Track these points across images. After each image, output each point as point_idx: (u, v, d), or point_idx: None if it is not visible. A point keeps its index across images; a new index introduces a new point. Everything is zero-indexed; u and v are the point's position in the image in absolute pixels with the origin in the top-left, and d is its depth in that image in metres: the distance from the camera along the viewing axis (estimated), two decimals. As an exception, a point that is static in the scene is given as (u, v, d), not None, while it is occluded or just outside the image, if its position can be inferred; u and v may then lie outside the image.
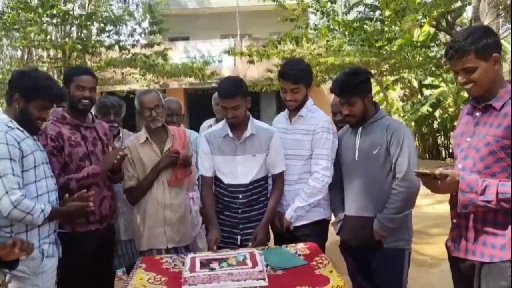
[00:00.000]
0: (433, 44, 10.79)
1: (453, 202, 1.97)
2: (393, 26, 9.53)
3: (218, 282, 2.09)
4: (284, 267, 2.29)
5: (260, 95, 14.22)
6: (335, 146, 2.79)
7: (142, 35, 10.81)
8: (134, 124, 8.13)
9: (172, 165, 2.87)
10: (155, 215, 2.86)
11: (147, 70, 10.61)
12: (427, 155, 13.17)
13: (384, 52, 9.80)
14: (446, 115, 12.28)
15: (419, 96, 12.75)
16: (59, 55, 9.67)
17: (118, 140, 3.28)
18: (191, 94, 16.47)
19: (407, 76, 12.40)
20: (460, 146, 2.03)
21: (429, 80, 12.83)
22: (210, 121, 3.92)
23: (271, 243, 2.88)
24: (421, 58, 9.73)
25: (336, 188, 2.78)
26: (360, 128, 2.67)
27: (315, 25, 10.82)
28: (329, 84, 12.17)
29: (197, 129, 3.88)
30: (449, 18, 9.18)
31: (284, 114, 2.99)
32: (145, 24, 11.25)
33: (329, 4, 9.68)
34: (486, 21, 7.67)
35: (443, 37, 11.19)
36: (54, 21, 9.09)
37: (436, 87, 12.52)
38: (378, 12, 9.83)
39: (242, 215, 2.78)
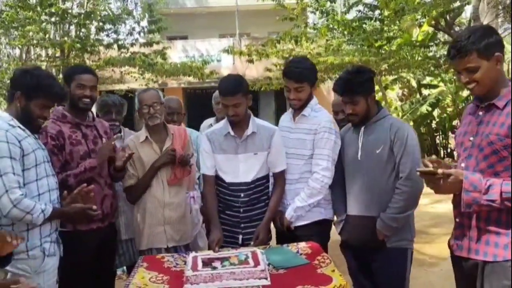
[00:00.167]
0: (432, 43, 10.80)
1: (456, 201, 1.97)
2: (392, 26, 9.53)
3: (220, 281, 2.09)
4: (286, 266, 2.29)
5: (259, 94, 14.20)
6: (337, 147, 2.78)
7: (141, 34, 10.80)
8: (132, 123, 8.10)
9: (169, 163, 2.87)
10: (155, 214, 2.86)
11: (146, 69, 10.59)
12: (425, 154, 13.17)
13: (383, 51, 9.80)
14: (445, 115, 12.29)
15: (418, 96, 12.76)
16: (58, 54, 9.65)
17: (120, 139, 3.27)
18: (190, 93, 16.45)
19: (406, 75, 12.41)
20: (463, 146, 2.02)
21: (427, 79, 12.83)
22: (210, 120, 3.91)
23: (273, 242, 2.87)
24: (420, 58, 9.74)
25: (338, 188, 2.78)
26: (362, 127, 2.66)
27: (314, 24, 10.81)
28: (328, 83, 12.21)
29: (196, 128, 3.87)
30: (448, 18, 9.18)
31: (289, 113, 2.98)
32: (144, 23, 11.23)
33: (328, 3, 9.67)
34: (485, 21, 7.70)
35: (442, 36, 11.20)
36: (53, 19, 9.06)
37: (435, 86, 12.53)
38: (377, 12, 9.83)
39: (243, 214, 2.78)
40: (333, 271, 2.21)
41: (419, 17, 8.41)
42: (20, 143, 2.21)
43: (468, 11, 10.11)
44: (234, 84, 2.71)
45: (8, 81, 6.74)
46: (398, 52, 9.55)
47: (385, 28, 9.77)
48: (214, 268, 2.20)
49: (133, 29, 10.60)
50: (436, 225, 5.91)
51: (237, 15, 16.40)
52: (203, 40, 16.08)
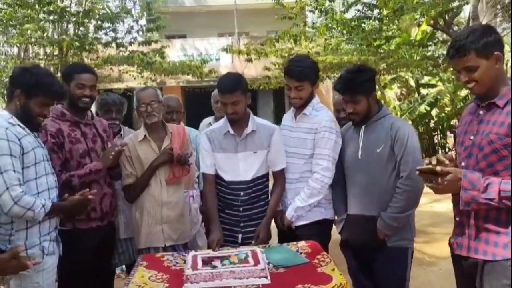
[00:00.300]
0: (430, 43, 10.81)
1: (456, 200, 1.97)
2: (391, 25, 9.53)
3: (221, 280, 2.09)
4: (286, 265, 2.29)
5: (258, 93, 14.20)
6: (338, 146, 2.77)
7: (140, 32, 10.77)
8: (131, 122, 8.09)
9: (167, 162, 2.86)
10: (153, 213, 2.86)
11: (144, 68, 10.57)
12: (423, 154, 13.19)
13: (382, 51, 9.80)
14: (443, 114, 12.30)
15: (416, 95, 12.76)
16: (56, 52, 9.62)
17: (120, 138, 3.26)
18: (188, 92, 16.44)
19: (404, 75, 12.42)
20: (463, 145, 2.02)
21: (426, 79, 12.84)
22: (209, 119, 3.91)
23: (274, 241, 2.87)
24: (418, 57, 9.74)
25: (338, 187, 2.77)
26: (363, 126, 2.66)
27: (313, 23, 10.80)
28: (327, 83, 12.21)
29: (194, 127, 3.87)
30: (446, 17, 9.19)
31: (291, 111, 2.98)
32: (143, 22, 11.20)
33: (327, 2, 9.67)
34: (484, 20, 7.72)
35: (440, 36, 11.21)
36: (51, 18, 9.03)
37: (433, 86, 12.53)
38: (376, 11, 9.82)
39: (243, 213, 2.78)
40: (333, 270, 2.22)
41: (417, 16, 8.41)
42: (20, 141, 2.21)
43: (466, 10, 10.13)
44: (233, 82, 2.71)
45: (6, 80, 6.71)
46: (396, 52, 9.55)
47: (384, 28, 9.77)
48: (214, 267, 2.20)
49: (132, 27, 10.57)
50: (435, 225, 5.91)
51: (236, 14, 16.40)
52: (201, 39, 16.08)
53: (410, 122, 11.34)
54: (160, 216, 2.86)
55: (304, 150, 2.80)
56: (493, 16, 8.18)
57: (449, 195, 2.02)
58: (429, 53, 10.47)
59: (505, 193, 1.78)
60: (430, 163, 1.88)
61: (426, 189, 1.96)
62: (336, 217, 2.86)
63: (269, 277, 2.12)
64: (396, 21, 9.00)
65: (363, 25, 9.84)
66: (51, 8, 8.63)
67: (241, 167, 2.77)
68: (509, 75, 8.69)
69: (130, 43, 10.41)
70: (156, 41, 10.76)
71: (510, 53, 8.95)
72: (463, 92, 11.31)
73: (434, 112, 12.11)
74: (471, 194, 1.83)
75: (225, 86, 2.70)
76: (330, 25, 9.91)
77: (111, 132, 3.09)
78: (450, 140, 12.40)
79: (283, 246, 2.61)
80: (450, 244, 2.13)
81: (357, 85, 2.59)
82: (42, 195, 2.29)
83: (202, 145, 2.90)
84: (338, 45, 10.11)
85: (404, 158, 2.51)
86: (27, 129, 2.30)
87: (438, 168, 1.84)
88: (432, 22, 9.07)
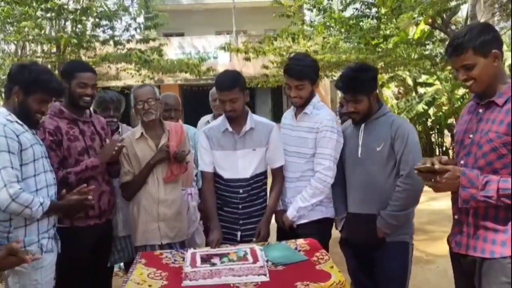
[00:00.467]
0: (428, 42, 10.82)
1: (455, 198, 1.97)
2: (389, 24, 9.53)
3: (219, 277, 2.09)
4: (285, 263, 2.30)
5: (256, 91, 14.21)
6: (340, 146, 2.76)
7: (137, 30, 10.74)
8: (129, 120, 8.07)
9: (165, 159, 2.86)
10: (149, 211, 2.86)
11: (142, 66, 10.55)
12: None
13: (379, 49, 9.80)
14: (440, 113, 12.32)
15: (414, 94, 12.79)
16: (53, 50, 9.58)
17: (118, 135, 3.25)
18: (186, 90, 16.43)
19: (402, 74, 12.43)
20: (463, 143, 2.03)
21: (423, 78, 12.86)
22: (208, 117, 3.91)
23: (273, 238, 2.87)
24: (416, 56, 9.75)
25: (338, 186, 2.77)
26: (363, 125, 2.65)
27: (311, 21, 10.80)
28: (325, 81, 12.21)
29: (192, 125, 3.86)
30: (444, 16, 9.19)
31: (291, 110, 2.96)
32: (140, 19, 11.18)
33: (325, 0, 9.66)
34: (482, 19, 7.73)
35: (438, 34, 11.22)
36: (49, 15, 8.99)
37: (431, 85, 12.55)
38: (374, 10, 9.82)
39: (242, 210, 2.78)
40: (332, 267, 2.22)
41: (416, 15, 8.41)
42: (18, 138, 2.20)
43: (464, 9, 10.13)
44: (231, 79, 2.70)
45: (4, 77, 6.68)
46: (394, 50, 9.55)
47: (382, 26, 9.77)
48: (213, 264, 2.20)
49: (129, 25, 10.54)
50: (433, 223, 5.92)
51: (233, 12, 16.38)
52: (199, 37, 16.06)
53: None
54: (156, 214, 2.85)
55: (305, 149, 2.79)
56: (490, 15, 8.19)
57: (447, 193, 2.02)
58: (427, 52, 10.47)
59: (503, 191, 1.79)
60: (425, 164, 1.88)
61: (424, 187, 1.96)
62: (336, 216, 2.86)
63: (268, 275, 2.12)
64: (394, 20, 9.00)
65: (361, 23, 9.84)
66: (49, 6, 8.60)
67: (239, 165, 2.77)
68: (508, 73, 8.70)
69: (128, 41, 10.39)
70: (154, 39, 10.74)
71: (509, 52, 8.97)
72: (461, 91, 11.32)
73: (431, 111, 12.13)
74: (469, 192, 1.83)
75: (223, 83, 2.70)
76: (328, 23, 9.91)
77: (109, 129, 3.08)
78: (448, 139, 12.42)
79: (282, 244, 2.61)
80: (448, 242, 2.14)
81: (360, 84, 2.56)
82: (41, 192, 2.28)
83: (200, 143, 2.90)
84: (336, 44, 10.10)
85: (404, 157, 2.50)
86: (25, 126, 2.29)
87: (437, 167, 1.84)
88: (430, 21, 9.06)
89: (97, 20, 9.70)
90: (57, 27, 9.50)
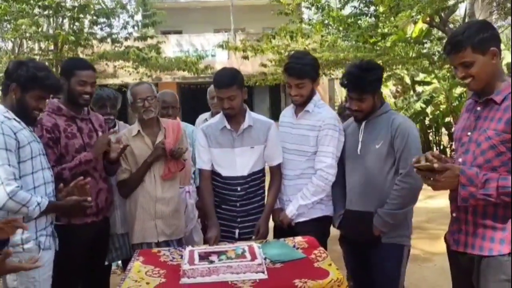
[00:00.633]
0: (426, 40, 10.82)
1: (452, 196, 1.97)
2: (387, 22, 9.54)
3: (217, 274, 2.09)
4: (283, 260, 2.29)
5: (254, 89, 14.20)
6: (341, 144, 2.75)
7: (135, 28, 10.73)
8: (126, 117, 8.04)
9: (161, 157, 2.85)
10: (146, 208, 2.85)
11: (139, 64, 10.55)
12: (419, 151, 13.15)
13: (378, 48, 9.81)
14: (438, 111, 12.33)
15: (411, 93, 12.79)
16: (51, 47, 9.57)
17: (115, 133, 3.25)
18: (184, 88, 16.41)
19: (400, 72, 12.44)
20: (461, 141, 2.02)
21: (421, 76, 12.87)
22: (206, 115, 3.90)
23: (271, 236, 2.87)
24: (414, 55, 9.76)
25: (338, 184, 2.76)
26: (364, 122, 2.64)
27: (309, 20, 10.79)
28: (323, 80, 12.20)
29: (190, 123, 3.85)
30: (442, 15, 9.20)
31: (291, 108, 2.95)
32: (138, 17, 11.16)
33: (324, -1, 9.68)
34: (480, 18, 7.72)
35: (436, 33, 11.23)
36: (46, 12, 8.97)
37: (429, 83, 12.56)
38: (372, 8, 9.83)
39: (240, 208, 2.78)
40: (330, 265, 2.22)
41: (414, 14, 8.42)
42: (15, 135, 2.19)
43: (462, 8, 10.14)
44: (229, 77, 2.70)
45: (1, 75, 6.67)
46: (392, 49, 9.56)
47: (380, 25, 9.77)
48: (211, 262, 2.20)
49: (127, 23, 10.54)
50: (430, 221, 5.93)
51: (232, 10, 16.35)
52: (197, 35, 16.04)
53: (405, 119, 11.36)
54: (153, 211, 2.85)
55: (305, 147, 2.78)
56: (488, 14, 8.19)
57: (445, 191, 2.02)
58: (425, 51, 10.48)
59: (503, 189, 1.78)
60: (419, 161, 1.87)
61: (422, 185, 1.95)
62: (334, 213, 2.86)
63: (266, 272, 2.11)
64: (392, 18, 9.00)
65: (359, 22, 9.84)
66: (46, 3, 8.58)
67: (238, 162, 2.76)
68: (506, 72, 8.71)
69: (126, 39, 10.38)
70: (151, 37, 10.74)
71: (506, 50, 8.98)
72: (458, 90, 11.33)
73: (429, 110, 12.14)
74: (469, 190, 1.83)
75: (221, 81, 2.69)
76: (326, 21, 9.91)
77: (107, 127, 3.07)
78: (445, 138, 12.43)
79: (280, 241, 2.61)
80: (445, 240, 2.14)
81: (366, 84, 2.53)
82: (39, 189, 2.28)
83: (198, 141, 2.89)
84: (334, 42, 10.11)
85: (404, 155, 2.49)
86: (23, 123, 2.28)
87: (436, 165, 1.84)
88: (428, 19, 9.07)
89: (94, 17, 9.70)
90: (54, 24, 9.49)
